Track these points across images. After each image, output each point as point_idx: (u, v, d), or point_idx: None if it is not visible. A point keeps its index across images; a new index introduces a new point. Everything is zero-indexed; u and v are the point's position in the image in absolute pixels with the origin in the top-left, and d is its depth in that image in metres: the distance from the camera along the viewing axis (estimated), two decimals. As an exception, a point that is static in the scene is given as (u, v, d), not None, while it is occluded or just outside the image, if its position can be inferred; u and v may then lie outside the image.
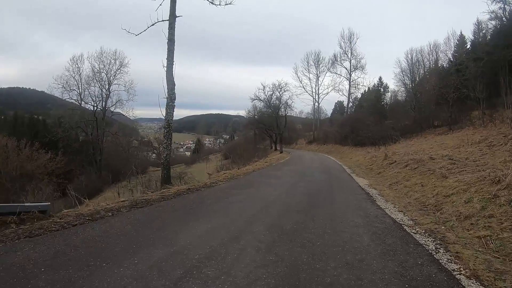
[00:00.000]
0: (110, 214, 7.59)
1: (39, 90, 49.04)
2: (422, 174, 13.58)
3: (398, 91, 55.89)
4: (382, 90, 58.99)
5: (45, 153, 35.07)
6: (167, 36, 14.70)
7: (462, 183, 9.99)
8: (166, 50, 14.67)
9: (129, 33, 15.74)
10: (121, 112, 53.10)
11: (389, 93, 58.42)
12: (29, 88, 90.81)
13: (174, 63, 14.63)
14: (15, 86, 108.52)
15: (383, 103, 55.14)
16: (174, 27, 14.74)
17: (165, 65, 14.55)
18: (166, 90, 14.45)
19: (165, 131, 14.45)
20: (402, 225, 7.01)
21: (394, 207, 9.03)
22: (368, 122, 40.74)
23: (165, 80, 14.54)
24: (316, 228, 6.44)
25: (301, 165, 24.28)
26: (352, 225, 6.82)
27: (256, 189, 11.64)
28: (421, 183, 12.30)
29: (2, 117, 66.82)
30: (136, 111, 36.76)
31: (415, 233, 6.38)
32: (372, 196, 10.63)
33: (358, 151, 34.99)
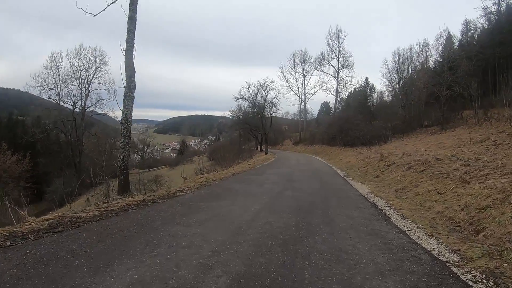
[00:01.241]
0: (8, 243, 5.04)
1: (23, 90, 46.18)
2: (433, 179, 11.10)
3: (384, 91, 54.07)
4: (368, 91, 57.16)
5: (11, 155, 31.78)
6: (127, 14, 11.82)
7: (494, 190, 7.72)
8: (131, 34, 11.80)
9: (86, 13, 12.80)
10: (106, 113, 50.34)
11: (376, 94, 56.43)
12: (13, 89, 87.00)
13: (134, 45, 11.78)
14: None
15: (369, 103, 52.98)
16: (136, 2, 11.87)
17: (124, 48, 11.68)
18: (124, 78, 11.59)
19: (122, 127, 11.43)
20: (447, 263, 4.46)
21: (418, 227, 6.43)
22: (358, 121, 38.10)
23: (123, 66, 11.70)
24: (315, 283, 3.66)
25: (287, 168, 21.39)
26: (373, 270, 4.10)
27: (230, 201, 8.71)
28: (437, 190, 9.81)
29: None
30: (121, 112, 33.53)
31: (475, 282, 3.93)
32: (382, 210, 7.90)
33: (348, 152, 32.16)
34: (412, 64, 47.07)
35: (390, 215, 7.34)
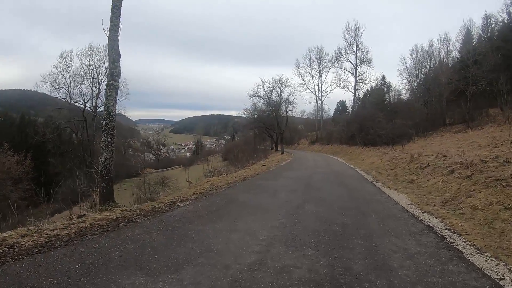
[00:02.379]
0: None
1: (40, 92, 45.29)
2: (489, 187, 8.57)
3: (402, 89, 51.09)
4: (385, 89, 54.24)
5: (12, 155, 29.85)
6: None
7: None
8: (116, 11, 9.49)
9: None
10: (118, 112, 49.14)
11: (393, 92, 53.44)
12: (30, 90, 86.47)
13: (120, 24, 9.44)
14: (17, 88, 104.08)
15: (386, 102, 50.11)
16: (123, -27, 9.55)
17: (108, 29, 9.36)
18: (107, 63, 9.30)
19: (104, 123, 8.98)
20: None
21: (510, 270, 4.12)
22: (379, 119, 35.18)
23: (107, 49, 9.39)
24: None
25: (305, 170, 18.76)
26: None
27: (231, 222, 6.22)
28: (501, 204, 7.35)
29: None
30: (138, 112, 31.98)
31: None
32: (444, 238, 5.43)
33: (370, 152, 29.31)
34: (433, 59, 44.32)
35: (459, 247, 4.93)
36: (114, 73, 9.12)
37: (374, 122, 34.41)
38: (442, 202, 8.75)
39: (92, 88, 46.53)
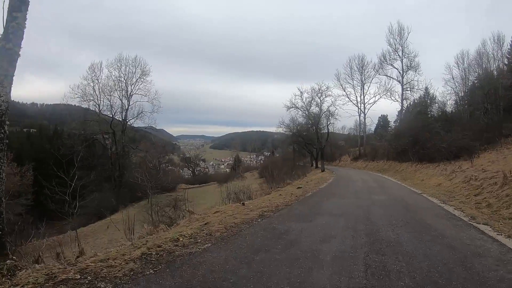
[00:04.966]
0: None
1: (84, 107, 44.79)
2: None
3: (447, 100, 45.01)
4: (429, 101, 48.05)
5: (10, 167, 26.86)
6: None
7: None
8: None
9: None
10: (164, 129, 48.98)
11: (437, 104, 47.20)
12: (74, 105, 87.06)
13: None
14: (60, 103, 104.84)
15: (429, 115, 44.10)
16: None
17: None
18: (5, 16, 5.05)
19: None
20: None
21: None
22: (436, 130, 29.40)
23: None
24: None
25: (354, 197, 13.41)
26: None
27: None
28: None
29: (31, 131, 62.93)
30: (179, 128, 29.71)
31: None
32: None
33: (429, 169, 24.03)
34: (487, 62, 39.02)
35: None
36: (9, 28, 4.80)
37: (431, 133, 28.53)
38: None
39: (122, 101, 45.74)
